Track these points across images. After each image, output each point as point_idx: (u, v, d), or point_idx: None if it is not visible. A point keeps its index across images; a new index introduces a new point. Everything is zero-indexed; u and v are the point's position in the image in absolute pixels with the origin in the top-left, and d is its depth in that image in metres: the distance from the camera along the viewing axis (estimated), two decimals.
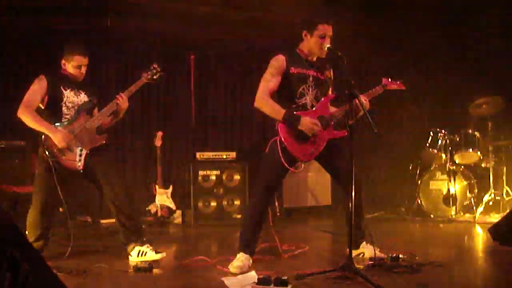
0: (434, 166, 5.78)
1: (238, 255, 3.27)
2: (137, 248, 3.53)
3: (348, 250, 2.97)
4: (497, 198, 5.61)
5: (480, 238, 4.51)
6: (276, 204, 5.98)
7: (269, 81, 3.32)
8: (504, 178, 5.67)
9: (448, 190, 5.49)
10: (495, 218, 5.14)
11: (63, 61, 3.65)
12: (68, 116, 3.60)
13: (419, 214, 5.67)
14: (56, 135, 3.45)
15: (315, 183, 6.23)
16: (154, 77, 3.78)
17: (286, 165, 3.23)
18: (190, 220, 5.54)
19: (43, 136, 3.47)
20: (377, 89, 3.52)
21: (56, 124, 3.53)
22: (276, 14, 6.35)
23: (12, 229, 2.00)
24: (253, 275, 2.95)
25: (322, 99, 3.43)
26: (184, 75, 6.36)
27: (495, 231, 3.98)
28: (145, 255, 3.49)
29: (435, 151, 5.73)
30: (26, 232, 3.53)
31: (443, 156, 5.73)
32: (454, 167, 5.62)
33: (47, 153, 3.45)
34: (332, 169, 3.53)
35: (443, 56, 7.01)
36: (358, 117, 3.26)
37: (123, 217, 3.59)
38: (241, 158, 5.86)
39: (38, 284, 1.99)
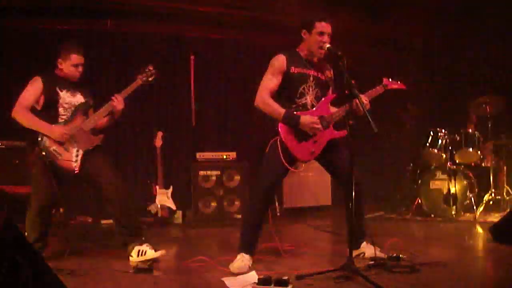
0: (434, 165, 5.78)
1: (238, 255, 3.27)
2: (137, 248, 3.53)
3: (348, 250, 2.97)
4: (497, 197, 5.61)
5: (480, 237, 4.51)
6: (276, 204, 5.99)
7: (269, 80, 3.32)
8: (504, 177, 5.67)
9: (449, 189, 5.49)
10: (495, 217, 5.13)
11: (59, 60, 3.63)
12: (64, 117, 3.60)
13: (420, 213, 5.66)
14: (53, 131, 3.46)
15: (315, 183, 6.23)
16: (149, 78, 3.78)
17: (286, 165, 3.23)
18: (190, 220, 5.55)
19: (39, 136, 3.47)
20: (377, 89, 3.52)
21: (52, 125, 3.52)
22: (276, 14, 6.36)
23: (12, 230, 2.00)
24: (253, 275, 2.95)
25: (323, 99, 3.44)
26: (184, 75, 6.37)
27: (495, 230, 3.99)
28: (145, 254, 3.49)
29: (435, 150, 5.72)
30: (25, 234, 3.53)
31: (443, 155, 5.73)
32: (455, 167, 5.61)
33: (43, 153, 3.45)
34: (332, 169, 3.53)
35: (444, 56, 7.02)
36: (358, 117, 3.26)
37: (122, 218, 3.59)
38: (241, 159, 5.86)
39: (39, 284, 1.99)
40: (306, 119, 3.25)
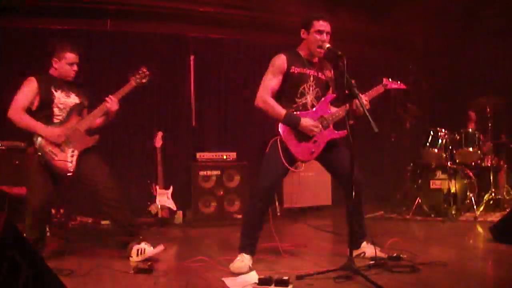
0: (434, 165, 5.78)
1: (238, 255, 3.27)
2: (136, 247, 3.53)
3: (348, 250, 2.97)
4: (497, 197, 5.62)
5: (480, 237, 4.50)
6: (276, 204, 5.99)
7: (270, 80, 3.33)
8: (504, 177, 5.67)
9: (449, 189, 5.48)
10: (495, 217, 5.14)
11: (54, 59, 3.63)
12: (60, 117, 3.60)
13: (420, 213, 5.66)
14: (49, 132, 3.47)
15: (315, 183, 6.23)
16: (143, 80, 3.79)
17: (286, 164, 3.23)
18: (190, 220, 5.54)
19: (35, 137, 3.47)
20: (377, 89, 3.52)
21: (48, 126, 3.52)
22: (276, 14, 6.36)
23: (12, 230, 2.00)
24: (253, 275, 2.95)
25: (323, 99, 3.44)
26: (184, 75, 6.36)
27: (496, 230, 3.99)
28: (144, 252, 3.50)
29: (435, 150, 5.72)
30: (24, 234, 3.53)
31: (443, 155, 5.73)
32: (455, 166, 5.61)
33: (39, 153, 3.45)
34: (332, 169, 3.53)
35: (444, 56, 7.02)
36: (358, 116, 3.26)
37: (117, 218, 3.60)
38: (241, 159, 5.85)
39: (39, 284, 1.99)
40: (306, 121, 3.25)
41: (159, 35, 6.33)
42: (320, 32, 3.30)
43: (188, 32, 6.43)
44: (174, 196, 5.53)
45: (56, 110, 3.59)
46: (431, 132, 5.78)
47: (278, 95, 3.35)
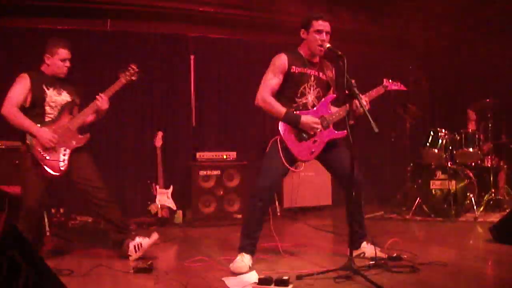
0: (434, 165, 5.78)
1: (238, 255, 3.27)
2: (132, 244, 3.54)
3: (348, 249, 2.97)
4: (497, 197, 5.61)
5: (480, 237, 4.50)
6: (276, 204, 5.99)
7: (270, 79, 3.33)
8: (504, 177, 5.67)
9: (449, 189, 5.48)
10: (495, 217, 5.13)
11: (46, 56, 3.62)
12: (51, 116, 3.59)
13: (420, 213, 5.66)
14: (42, 135, 3.45)
15: (316, 182, 6.23)
16: (133, 77, 3.80)
17: (286, 164, 3.23)
18: (190, 220, 5.54)
19: (27, 136, 3.45)
20: (378, 89, 3.53)
21: (38, 124, 3.51)
22: (276, 14, 6.36)
23: (12, 230, 2.00)
24: (253, 275, 2.95)
25: (323, 99, 3.44)
26: (184, 75, 6.36)
27: (495, 230, 3.99)
28: (141, 246, 3.51)
29: (435, 150, 5.72)
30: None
31: (444, 155, 5.73)
32: (455, 167, 5.61)
33: (31, 152, 3.43)
34: (332, 169, 3.53)
35: (444, 56, 7.02)
36: (358, 117, 3.26)
37: (106, 216, 3.61)
38: (241, 158, 5.85)
39: (39, 284, 1.99)
40: (307, 118, 3.26)
41: (159, 35, 6.33)
42: (319, 31, 3.31)
43: (188, 32, 6.43)
44: (174, 196, 5.53)
45: (47, 108, 3.58)
46: (431, 132, 5.78)
47: (278, 95, 3.35)
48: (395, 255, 3.33)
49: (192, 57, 6.22)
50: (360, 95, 3.17)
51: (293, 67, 3.33)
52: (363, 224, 3.52)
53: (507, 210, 4.80)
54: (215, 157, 5.76)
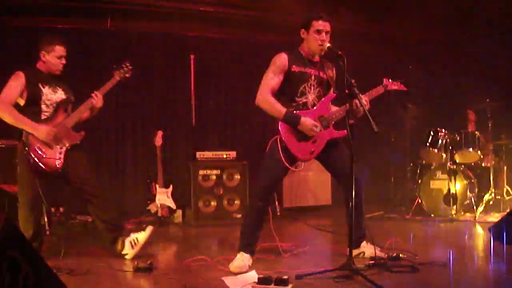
0: (434, 165, 5.78)
1: (238, 255, 3.27)
2: (127, 241, 3.53)
3: (348, 249, 2.97)
4: (497, 197, 5.61)
5: (480, 237, 4.51)
6: (276, 204, 5.99)
7: (270, 79, 3.32)
8: (505, 177, 5.67)
9: (449, 189, 5.48)
10: (495, 217, 5.14)
11: (42, 53, 3.61)
12: (47, 114, 3.58)
13: (420, 213, 5.66)
14: (40, 131, 3.44)
15: (315, 182, 6.23)
16: (126, 75, 3.84)
17: (286, 164, 3.23)
18: (190, 219, 5.54)
19: (23, 134, 3.44)
20: (378, 89, 3.52)
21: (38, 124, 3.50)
22: (276, 14, 6.35)
23: (12, 230, 2.00)
24: (253, 275, 2.95)
25: (323, 98, 3.43)
26: (184, 74, 6.36)
27: (495, 230, 3.99)
28: (137, 240, 3.50)
29: (435, 150, 5.72)
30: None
31: (444, 155, 5.73)
32: (455, 167, 5.61)
33: (27, 149, 3.41)
34: (332, 169, 3.53)
35: (444, 56, 7.01)
36: (358, 116, 3.26)
37: (101, 214, 3.60)
38: (241, 158, 5.85)
39: (39, 284, 1.99)
40: (306, 121, 3.25)
41: (159, 34, 6.33)
42: (319, 31, 3.31)
43: (188, 32, 6.42)
44: (173, 195, 5.53)
45: (43, 106, 3.57)
46: (431, 132, 5.78)
47: (279, 94, 3.34)
48: (394, 255, 3.33)
49: (192, 56, 6.21)
50: (360, 94, 3.17)
51: (294, 66, 3.33)
52: (363, 224, 3.52)
53: (507, 210, 4.81)
54: (215, 157, 5.76)
